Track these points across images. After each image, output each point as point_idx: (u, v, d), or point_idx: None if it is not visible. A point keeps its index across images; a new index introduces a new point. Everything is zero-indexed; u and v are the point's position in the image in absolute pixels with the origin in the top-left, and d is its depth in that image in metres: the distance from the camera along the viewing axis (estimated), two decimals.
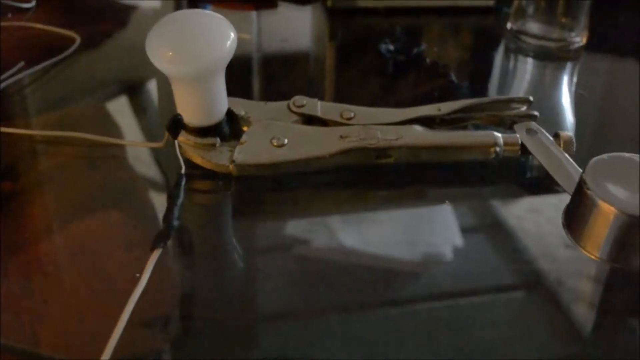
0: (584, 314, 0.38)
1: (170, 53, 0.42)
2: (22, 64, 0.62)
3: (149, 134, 0.54)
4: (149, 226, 0.43)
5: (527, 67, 0.70)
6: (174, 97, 0.46)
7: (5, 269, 0.39)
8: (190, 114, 0.46)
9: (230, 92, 0.49)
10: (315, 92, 0.53)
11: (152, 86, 0.63)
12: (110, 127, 0.55)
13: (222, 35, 0.44)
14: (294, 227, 0.44)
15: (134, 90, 0.62)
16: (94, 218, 0.44)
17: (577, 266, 0.41)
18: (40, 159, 0.51)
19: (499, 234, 0.44)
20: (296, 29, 0.76)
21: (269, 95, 0.55)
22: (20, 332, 0.35)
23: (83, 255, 0.41)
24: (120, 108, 0.59)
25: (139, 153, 0.51)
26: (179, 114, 0.45)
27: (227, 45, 0.43)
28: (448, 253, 0.42)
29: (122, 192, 0.47)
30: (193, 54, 0.43)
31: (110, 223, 0.44)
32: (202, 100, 0.45)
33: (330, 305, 0.38)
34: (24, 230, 0.43)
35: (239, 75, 0.65)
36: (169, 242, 0.40)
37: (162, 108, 0.59)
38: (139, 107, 0.60)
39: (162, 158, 0.49)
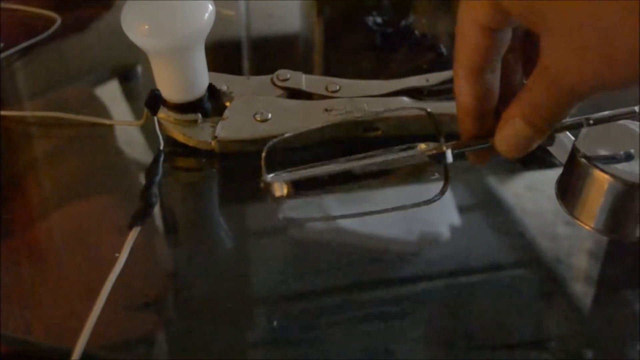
0: (582, 290, 0.37)
1: (146, 26, 0.41)
2: (1, 45, 0.61)
3: (134, 113, 0.52)
4: (133, 206, 0.42)
5: None
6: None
7: None
8: (170, 89, 0.45)
9: (216, 69, 0.48)
10: (303, 67, 0.52)
11: (136, 67, 0.61)
12: (92, 107, 0.53)
13: (200, 7, 0.42)
14: (282, 205, 0.43)
15: (117, 71, 0.61)
16: (81, 201, 0.43)
17: (573, 241, 0.40)
18: (24, 140, 0.50)
19: (493, 210, 0.43)
20: (283, 4, 0.75)
21: (256, 71, 0.54)
22: (12, 319, 0.34)
23: (71, 239, 0.40)
24: (103, 88, 0.58)
25: (123, 132, 0.49)
26: (156, 89, 0.44)
27: (205, 17, 0.42)
28: (445, 232, 0.41)
29: (106, 173, 0.46)
30: (169, 27, 0.41)
31: (97, 205, 0.43)
32: (181, 75, 0.44)
33: (324, 286, 0.37)
34: (10, 217, 0.42)
35: (225, 51, 0.64)
36: (156, 221, 0.40)
37: (146, 88, 0.58)
38: (123, 87, 0.59)
39: (146, 136, 0.48)
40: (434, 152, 0.33)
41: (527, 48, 0.33)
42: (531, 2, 0.26)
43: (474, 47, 0.30)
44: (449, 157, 0.33)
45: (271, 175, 0.34)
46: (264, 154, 0.35)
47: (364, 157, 0.35)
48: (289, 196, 0.34)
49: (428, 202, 0.34)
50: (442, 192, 0.34)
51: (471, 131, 0.33)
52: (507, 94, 0.31)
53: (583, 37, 0.25)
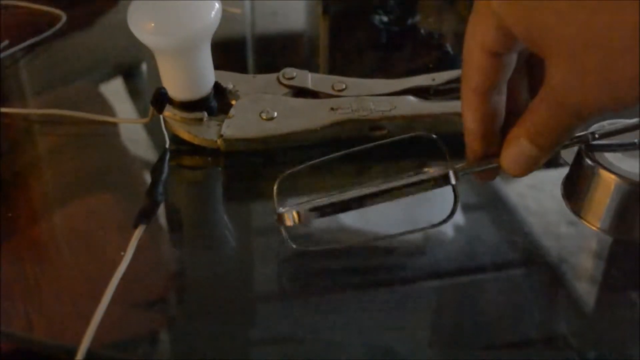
0: (585, 289, 0.37)
1: (153, 24, 0.41)
2: (6, 42, 0.61)
3: (139, 111, 0.53)
4: (138, 204, 0.42)
5: None
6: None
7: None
8: (176, 88, 0.45)
9: (221, 67, 0.47)
10: (308, 65, 0.52)
11: (141, 65, 0.61)
12: (97, 105, 0.54)
13: (206, 6, 0.42)
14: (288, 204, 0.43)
15: (122, 68, 0.61)
16: (85, 199, 0.43)
17: (578, 241, 0.39)
18: (29, 138, 0.50)
19: (497, 209, 0.43)
20: (287, 2, 0.75)
21: (261, 69, 0.54)
22: (14, 317, 0.34)
23: (75, 237, 0.40)
24: (107, 86, 0.58)
25: (128, 130, 0.49)
26: (162, 88, 0.44)
27: (212, 15, 0.42)
28: (449, 231, 0.40)
29: (111, 171, 0.46)
30: (176, 25, 0.41)
31: (102, 203, 0.43)
32: (187, 73, 0.44)
33: (327, 285, 0.37)
34: (14, 215, 0.42)
35: (230, 49, 0.64)
36: (161, 220, 0.40)
37: (151, 85, 0.58)
38: (127, 84, 0.59)
39: (151, 134, 0.48)
40: (443, 174, 0.34)
41: (533, 69, 0.33)
42: (535, 26, 0.26)
43: (480, 70, 0.30)
44: (452, 179, 0.34)
45: (283, 209, 0.36)
46: (275, 187, 0.36)
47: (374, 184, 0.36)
48: (300, 224, 0.36)
49: (439, 224, 0.36)
50: (452, 212, 0.35)
51: (478, 151, 0.33)
52: (513, 115, 0.32)
53: (586, 60, 0.25)
